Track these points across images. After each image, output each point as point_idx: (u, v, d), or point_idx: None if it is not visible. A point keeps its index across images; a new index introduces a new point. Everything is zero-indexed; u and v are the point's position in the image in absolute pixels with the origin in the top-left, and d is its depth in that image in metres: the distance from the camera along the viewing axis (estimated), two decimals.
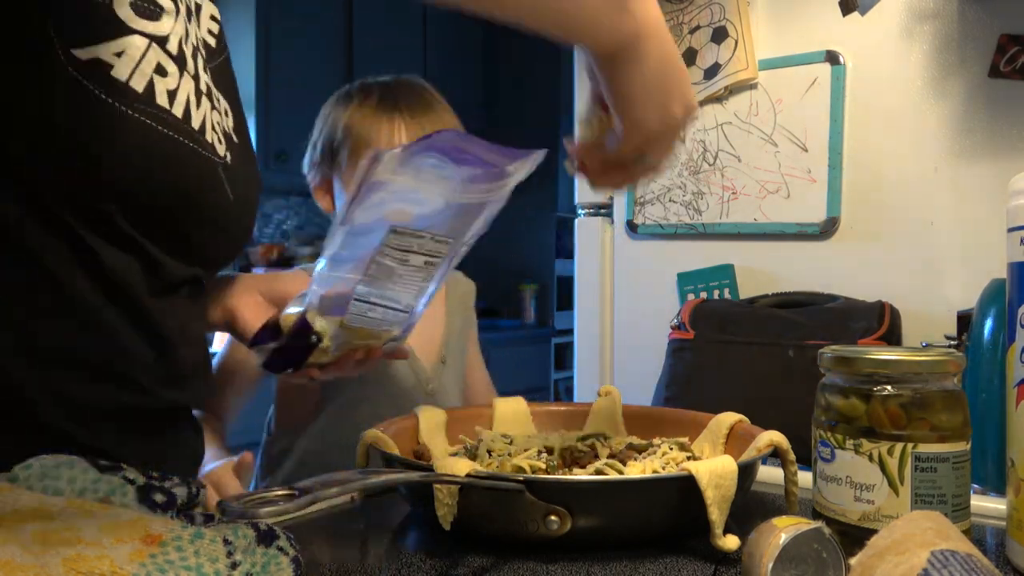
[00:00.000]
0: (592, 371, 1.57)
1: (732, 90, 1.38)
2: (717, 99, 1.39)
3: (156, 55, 0.54)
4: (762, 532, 0.50)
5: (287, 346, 0.64)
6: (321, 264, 0.60)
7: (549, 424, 0.85)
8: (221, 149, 0.63)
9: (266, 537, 0.46)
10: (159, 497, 0.45)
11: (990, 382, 0.84)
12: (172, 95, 0.55)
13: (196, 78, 0.60)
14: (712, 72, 1.39)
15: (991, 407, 0.83)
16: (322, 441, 1.04)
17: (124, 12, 0.53)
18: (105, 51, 0.51)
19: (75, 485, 0.43)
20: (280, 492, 0.43)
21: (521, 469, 0.65)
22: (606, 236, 1.56)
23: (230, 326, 0.74)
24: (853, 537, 0.53)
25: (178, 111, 0.56)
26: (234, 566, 0.43)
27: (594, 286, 1.57)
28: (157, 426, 0.62)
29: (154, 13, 0.55)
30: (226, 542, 0.43)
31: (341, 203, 1.09)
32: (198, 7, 0.66)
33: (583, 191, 1.59)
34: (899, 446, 0.55)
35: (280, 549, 0.46)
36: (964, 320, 0.96)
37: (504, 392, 1.21)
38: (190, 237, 0.60)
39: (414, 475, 0.57)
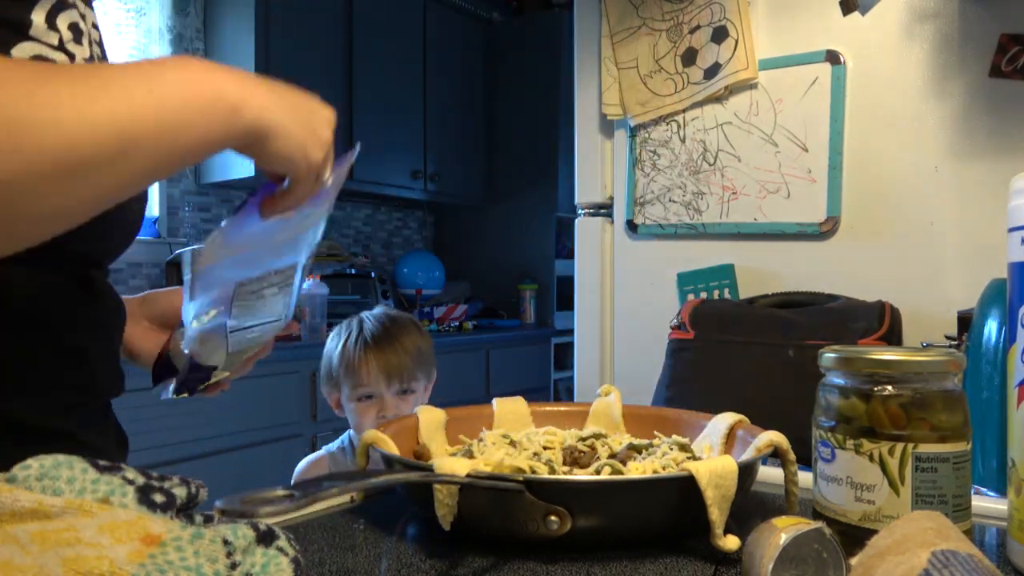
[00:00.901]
0: (592, 371, 1.57)
1: (732, 90, 1.38)
2: (717, 99, 1.39)
3: None
4: (762, 532, 0.50)
5: (188, 378, 0.69)
6: (187, 316, 0.63)
7: (549, 424, 0.85)
8: None
9: (266, 537, 0.46)
10: (159, 497, 0.45)
11: (990, 382, 0.84)
12: None
13: None
14: (712, 72, 1.39)
15: (991, 407, 0.83)
16: None
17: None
18: None
19: (74, 485, 0.43)
20: (280, 492, 0.43)
21: (521, 469, 0.65)
22: (606, 236, 1.56)
23: (130, 358, 0.76)
24: (853, 537, 0.53)
25: None
26: (234, 566, 0.43)
27: (594, 286, 1.57)
28: (99, 418, 0.67)
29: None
30: (226, 542, 0.43)
31: (348, 414, 1.44)
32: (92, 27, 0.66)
33: (583, 191, 1.60)
34: (899, 446, 0.55)
35: (280, 549, 0.46)
36: (964, 320, 0.96)
37: (504, 392, 1.20)
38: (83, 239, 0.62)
39: (414, 475, 0.57)
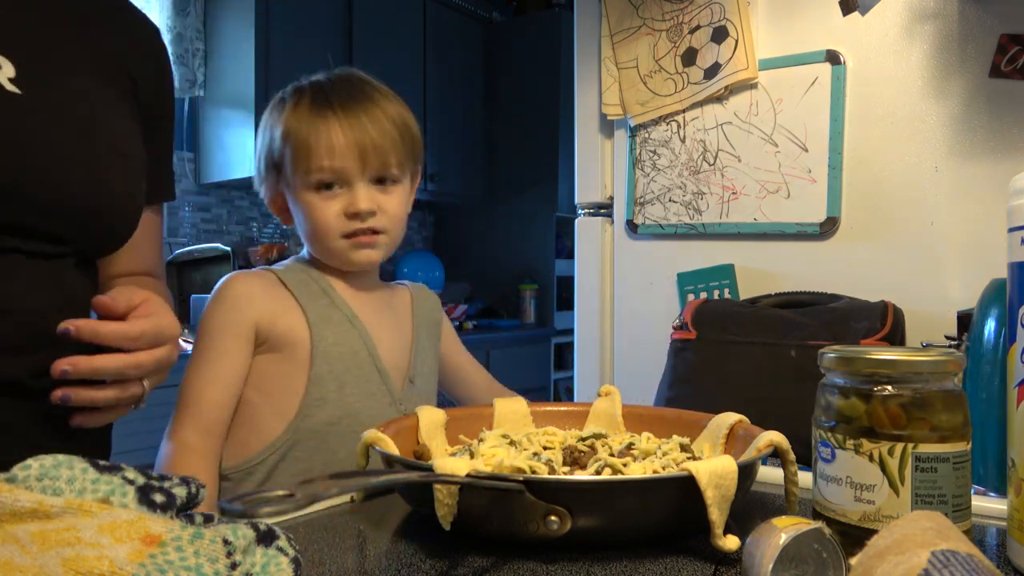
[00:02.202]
0: (592, 371, 1.57)
1: (732, 90, 1.38)
2: (717, 99, 1.39)
3: None
4: (762, 532, 0.50)
5: None
6: None
7: (549, 424, 0.85)
8: None
9: (266, 537, 0.46)
10: (159, 497, 0.45)
11: (990, 382, 0.84)
12: None
13: None
14: (712, 72, 1.39)
15: (991, 407, 0.83)
16: (297, 471, 0.95)
17: None
18: None
19: (74, 485, 0.43)
20: (280, 492, 0.43)
21: (521, 469, 0.65)
22: (606, 236, 1.56)
23: None
24: (853, 537, 0.53)
25: None
26: (234, 566, 0.43)
27: (594, 286, 1.57)
28: None
29: None
30: (226, 542, 0.43)
31: (297, 215, 1.01)
32: None
33: (583, 191, 1.60)
34: (899, 446, 0.55)
35: (280, 549, 0.46)
36: (964, 320, 0.96)
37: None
38: None
39: (414, 475, 0.57)
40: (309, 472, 0.95)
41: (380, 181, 0.98)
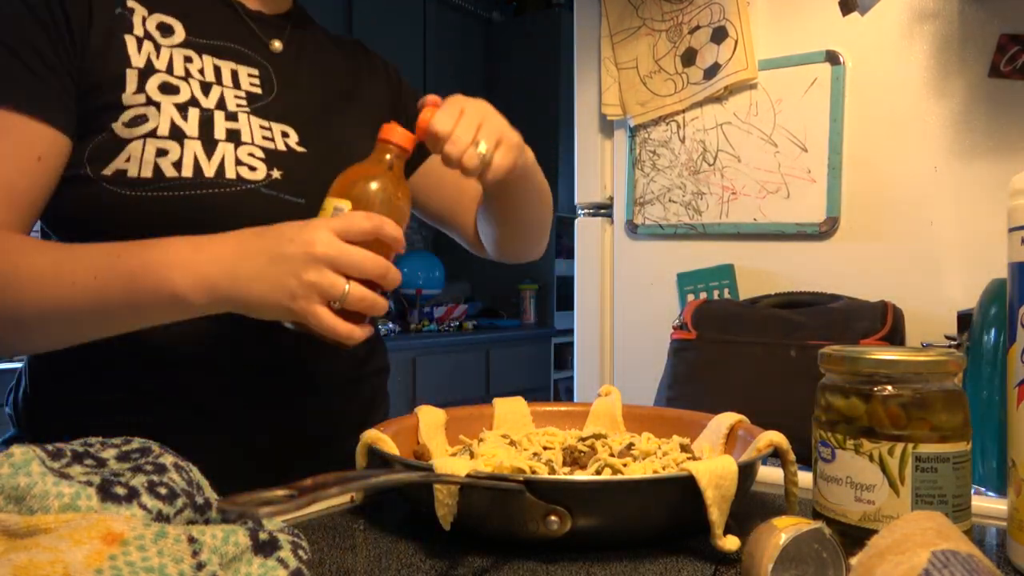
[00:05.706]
0: (592, 371, 1.57)
1: (732, 90, 1.38)
2: (717, 99, 1.39)
3: (152, 145, 0.75)
4: (762, 532, 0.50)
5: None
6: None
7: (549, 424, 0.85)
8: (257, 174, 0.80)
9: (265, 547, 0.45)
10: (120, 490, 0.44)
11: (990, 382, 0.84)
12: (178, 164, 0.76)
13: (203, 137, 0.78)
14: (712, 72, 1.39)
15: (991, 407, 0.83)
16: None
17: (119, 129, 0.75)
18: (118, 163, 0.75)
19: (34, 491, 0.41)
20: (280, 492, 0.43)
21: (521, 469, 0.65)
22: (606, 236, 1.56)
23: None
24: (853, 537, 0.53)
25: (187, 172, 0.76)
26: (200, 567, 0.41)
27: (594, 286, 1.57)
28: None
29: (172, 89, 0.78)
30: (192, 540, 0.42)
31: None
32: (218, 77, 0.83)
33: (583, 191, 1.60)
34: (899, 446, 0.55)
35: (280, 561, 0.44)
36: (964, 320, 0.96)
37: (504, 392, 1.20)
38: None
39: (414, 475, 0.57)
40: None
41: None
